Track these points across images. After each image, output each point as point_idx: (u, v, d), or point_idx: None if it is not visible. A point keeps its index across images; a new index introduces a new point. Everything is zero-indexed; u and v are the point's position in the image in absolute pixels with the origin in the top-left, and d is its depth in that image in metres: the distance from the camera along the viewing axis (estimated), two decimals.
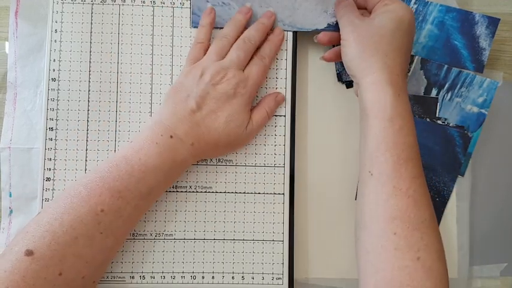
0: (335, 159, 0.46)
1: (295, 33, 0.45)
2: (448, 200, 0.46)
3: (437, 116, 0.46)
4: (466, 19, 0.46)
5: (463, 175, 0.46)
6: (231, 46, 0.42)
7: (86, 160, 0.43)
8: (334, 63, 0.47)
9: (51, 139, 0.43)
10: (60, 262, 0.34)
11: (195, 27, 0.45)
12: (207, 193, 0.44)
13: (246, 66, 0.42)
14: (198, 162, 0.44)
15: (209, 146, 0.40)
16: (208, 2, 0.44)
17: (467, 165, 0.46)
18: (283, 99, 0.44)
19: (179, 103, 0.40)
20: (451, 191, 0.46)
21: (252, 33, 0.43)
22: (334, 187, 0.46)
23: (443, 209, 0.46)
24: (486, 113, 0.46)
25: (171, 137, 0.38)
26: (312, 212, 0.45)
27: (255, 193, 0.44)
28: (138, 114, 0.44)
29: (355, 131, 0.46)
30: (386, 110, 0.36)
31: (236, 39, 0.43)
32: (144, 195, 0.37)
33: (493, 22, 0.46)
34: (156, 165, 0.37)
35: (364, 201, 0.36)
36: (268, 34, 0.44)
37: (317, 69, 0.47)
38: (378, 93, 0.37)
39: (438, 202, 0.46)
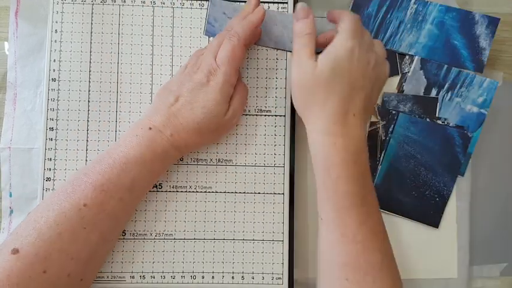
0: None
1: None
2: (448, 200, 0.46)
3: (437, 116, 0.46)
4: (466, 19, 0.46)
5: (463, 175, 0.46)
6: None
7: (86, 160, 0.43)
8: None
9: (52, 139, 0.43)
10: (44, 259, 0.34)
11: (207, 36, 0.45)
12: (207, 193, 0.44)
13: None
14: (197, 162, 0.44)
15: (190, 136, 0.39)
16: (224, 13, 0.44)
17: (467, 165, 0.46)
18: (247, 91, 0.44)
19: (162, 98, 0.40)
20: (451, 191, 0.46)
21: (234, 22, 0.42)
22: None
23: (443, 209, 0.46)
24: (486, 113, 0.46)
25: (150, 128, 0.38)
26: (312, 212, 0.45)
27: (255, 193, 0.44)
28: (138, 114, 0.44)
29: None
30: (322, 160, 0.37)
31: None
32: (127, 188, 0.37)
33: (493, 22, 0.46)
34: (137, 156, 0.37)
35: (320, 247, 0.38)
36: None
37: None
38: (315, 143, 0.37)
39: (438, 202, 0.46)
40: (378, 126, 0.46)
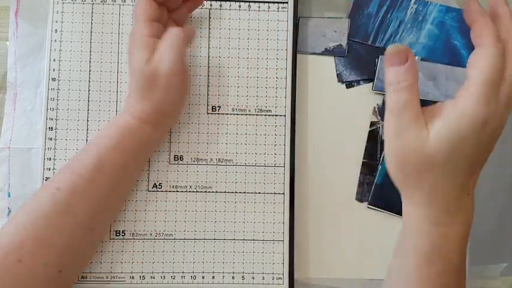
0: (335, 158, 0.46)
1: (295, 33, 0.45)
2: None
3: None
4: None
5: None
6: None
7: None
8: (334, 63, 0.47)
9: (51, 139, 0.43)
10: (19, 248, 0.34)
11: (376, 91, 0.46)
12: (207, 193, 0.44)
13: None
14: (197, 162, 0.44)
15: (138, 100, 0.38)
16: None
17: None
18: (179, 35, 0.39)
19: None
20: None
21: None
22: (335, 187, 0.46)
23: None
24: None
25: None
26: (312, 212, 0.45)
27: (255, 193, 0.44)
28: None
29: (355, 131, 0.46)
30: (424, 252, 0.31)
31: None
32: (96, 167, 0.37)
33: None
34: (104, 134, 0.38)
35: None
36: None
37: (317, 69, 0.47)
38: (418, 231, 0.31)
39: None
40: (378, 126, 0.46)
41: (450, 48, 0.46)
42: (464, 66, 0.46)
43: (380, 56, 0.46)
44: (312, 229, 0.45)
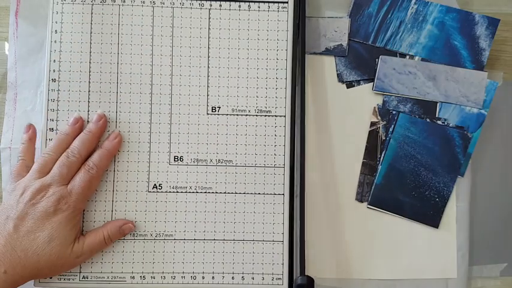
0: (335, 159, 0.46)
1: (295, 33, 0.45)
2: (448, 200, 0.46)
3: (437, 116, 0.46)
4: (466, 19, 0.46)
5: (462, 175, 0.46)
6: (55, 162, 0.40)
7: None
8: (334, 63, 0.47)
9: (52, 139, 0.43)
10: None
11: (376, 91, 0.46)
12: (207, 194, 0.44)
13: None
14: (197, 162, 0.44)
15: (28, 271, 0.37)
16: (394, 69, 0.45)
17: (467, 165, 0.46)
18: (130, 229, 0.42)
19: None
20: (451, 191, 0.46)
21: (75, 145, 0.41)
22: (334, 187, 0.46)
23: (443, 209, 0.46)
24: (486, 113, 0.46)
25: None
26: (312, 212, 0.45)
27: (255, 193, 0.44)
28: (138, 115, 0.44)
29: (355, 131, 0.46)
30: None
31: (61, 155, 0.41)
32: None
33: (493, 22, 0.46)
34: None
35: None
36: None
37: (317, 69, 0.47)
38: None
39: (438, 202, 0.46)
40: (378, 126, 0.46)
41: (450, 48, 0.46)
42: (464, 67, 0.46)
43: (380, 56, 0.46)
44: (312, 229, 0.45)
